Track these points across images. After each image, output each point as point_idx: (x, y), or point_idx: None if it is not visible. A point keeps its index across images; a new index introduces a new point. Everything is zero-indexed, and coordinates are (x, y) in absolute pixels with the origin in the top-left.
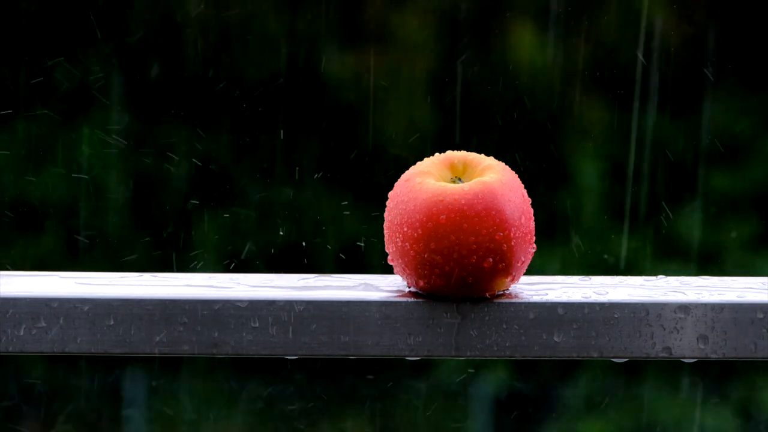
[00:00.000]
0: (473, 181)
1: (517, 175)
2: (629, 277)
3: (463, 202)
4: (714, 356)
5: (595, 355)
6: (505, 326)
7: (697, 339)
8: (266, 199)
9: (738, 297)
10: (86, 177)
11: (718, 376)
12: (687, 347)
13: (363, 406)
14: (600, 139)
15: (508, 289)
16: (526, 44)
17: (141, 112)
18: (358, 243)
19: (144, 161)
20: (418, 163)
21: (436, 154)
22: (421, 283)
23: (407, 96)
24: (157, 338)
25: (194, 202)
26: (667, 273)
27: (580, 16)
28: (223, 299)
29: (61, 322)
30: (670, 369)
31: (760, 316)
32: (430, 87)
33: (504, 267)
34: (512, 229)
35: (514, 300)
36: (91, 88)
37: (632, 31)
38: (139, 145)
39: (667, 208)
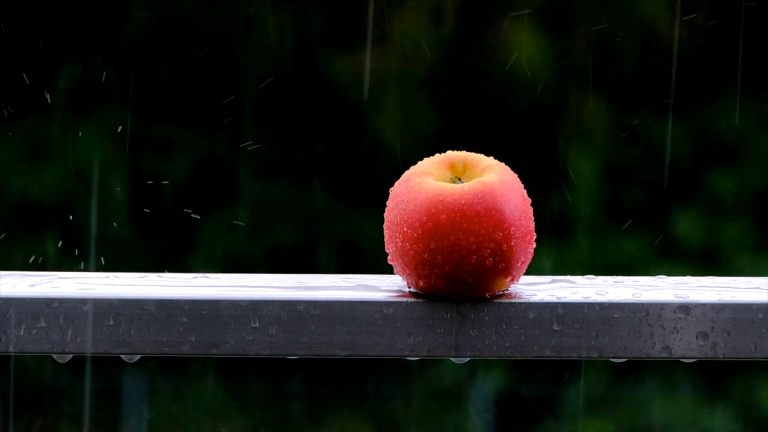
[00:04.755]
0: (473, 181)
1: (516, 176)
2: (629, 277)
3: (463, 202)
4: (714, 356)
5: (595, 355)
6: (505, 326)
7: (697, 339)
8: (266, 199)
9: (738, 297)
10: (87, 177)
11: (718, 376)
12: (687, 347)
13: (363, 406)
14: (599, 138)
15: (508, 289)
16: (526, 43)
17: (142, 112)
18: (358, 243)
19: (145, 161)
20: (418, 163)
21: (436, 154)
22: (421, 283)
23: (407, 96)
24: (157, 338)
25: (195, 202)
26: (667, 273)
27: (580, 16)
28: (223, 299)
29: (61, 322)
30: (669, 369)
31: (760, 316)
32: (429, 86)
33: (504, 267)
34: (512, 229)
35: (514, 300)
36: (92, 88)
37: (632, 30)
38: (140, 145)
39: (667, 208)
